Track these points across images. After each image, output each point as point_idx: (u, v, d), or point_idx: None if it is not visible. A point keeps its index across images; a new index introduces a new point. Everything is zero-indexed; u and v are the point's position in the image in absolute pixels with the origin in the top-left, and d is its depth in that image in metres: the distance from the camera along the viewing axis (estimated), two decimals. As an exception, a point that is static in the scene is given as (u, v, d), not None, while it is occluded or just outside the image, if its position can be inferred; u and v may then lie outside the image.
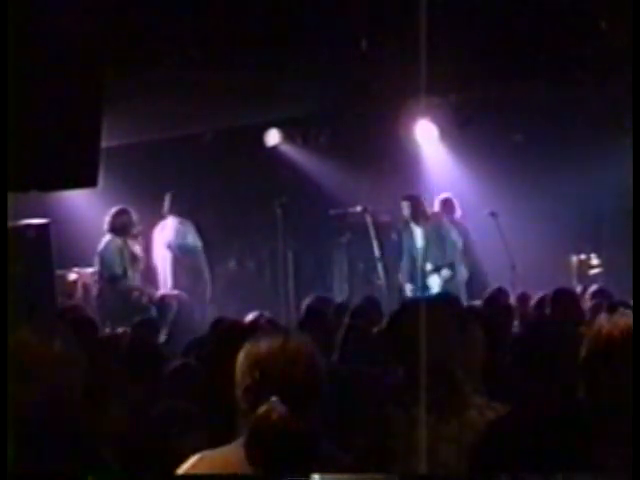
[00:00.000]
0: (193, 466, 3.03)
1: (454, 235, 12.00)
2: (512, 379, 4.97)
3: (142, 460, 4.18)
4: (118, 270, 10.93)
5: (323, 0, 8.98)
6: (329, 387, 3.11)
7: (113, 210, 11.15)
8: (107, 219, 11.08)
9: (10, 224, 8.06)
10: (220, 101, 10.75)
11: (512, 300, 8.94)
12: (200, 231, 12.16)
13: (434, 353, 3.72)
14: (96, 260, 11.15)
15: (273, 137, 13.44)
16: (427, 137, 13.22)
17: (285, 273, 12.72)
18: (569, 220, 12.56)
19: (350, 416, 4.34)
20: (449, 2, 8.57)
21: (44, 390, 2.39)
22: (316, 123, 13.44)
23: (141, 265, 11.31)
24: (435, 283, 11.83)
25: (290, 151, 13.70)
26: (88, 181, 8.36)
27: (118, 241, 11.02)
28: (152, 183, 12.57)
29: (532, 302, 8.54)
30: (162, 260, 11.95)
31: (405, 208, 12.02)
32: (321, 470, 2.87)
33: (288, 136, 13.52)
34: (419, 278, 11.92)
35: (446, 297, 7.69)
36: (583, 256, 12.79)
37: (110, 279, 10.97)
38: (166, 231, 12.02)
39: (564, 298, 7.63)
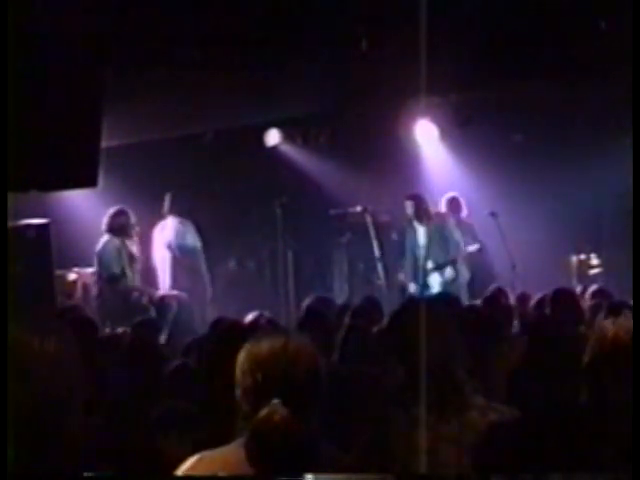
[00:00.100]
0: (192, 466, 3.02)
1: (457, 235, 11.98)
2: (512, 379, 4.97)
3: (142, 460, 4.18)
4: (116, 270, 10.94)
5: (323, 0, 8.98)
6: (329, 387, 3.11)
7: (111, 211, 11.15)
8: (105, 219, 11.09)
9: (10, 224, 8.07)
10: (220, 101, 10.75)
11: (512, 300, 8.93)
12: (200, 231, 12.16)
13: (434, 353, 3.72)
14: (95, 260, 11.16)
15: (273, 137, 13.44)
16: (427, 137, 13.22)
17: (285, 273, 12.73)
18: (569, 220, 12.56)
19: (350, 416, 4.34)
20: (449, 2, 8.56)
21: (38, 389, 2.38)
22: (316, 123, 13.44)
23: (139, 265, 11.32)
24: (436, 282, 11.82)
25: (290, 151, 13.70)
26: (88, 181, 8.37)
27: (116, 241, 11.02)
28: (152, 183, 12.56)
29: (532, 302, 8.53)
30: (162, 260, 11.95)
31: (408, 207, 12.00)
32: (321, 470, 2.87)
33: (288, 136, 13.52)
34: (421, 277, 11.91)
35: (446, 297, 7.71)
36: (583, 256, 12.79)
37: (108, 279, 10.97)
38: (166, 231, 12.02)
39: (564, 298, 7.63)
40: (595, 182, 12.35)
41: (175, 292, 11.46)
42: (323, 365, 3.08)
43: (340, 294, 13.20)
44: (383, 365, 5.04)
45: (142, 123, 11.28)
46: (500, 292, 8.93)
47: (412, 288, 12.00)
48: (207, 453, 3.06)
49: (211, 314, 10.37)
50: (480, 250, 12.27)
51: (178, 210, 12.01)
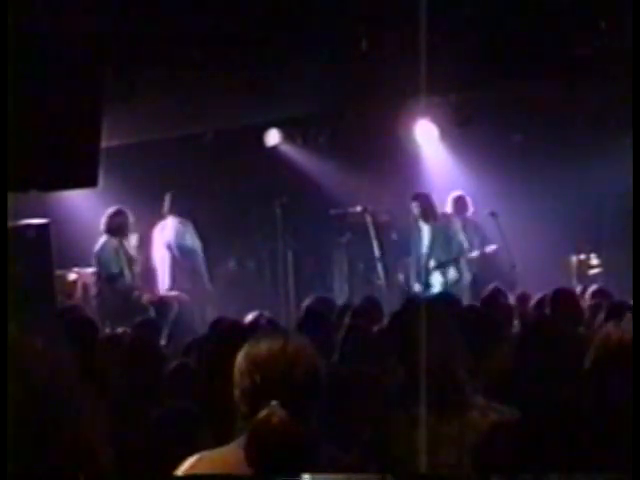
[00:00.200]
0: (192, 466, 3.02)
1: (462, 236, 11.95)
2: (512, 379, 4.96)
3: (141, 460, 4.18)
4: (114, 270, 10.95)
5: (323, 0, 8.98)
6: (329, 388, 3.11)
7: (109, 211, 11.17)
8: (103, 220, 11.11)
9: (10, 224, 8.06)
10: (220, 101, 10.75)
11: (512, 300, 8.93)
12: (200, 231, 12.16)
13: (435, 353, 3.72)
14: (94, 261, 11.18)
15: (273, 137, 13.44)
16: (427, 137, 13.22)
17: (285, 273, 12.73)
18: (569, 220, 12.55)
19: (350, 416, 4.34)
20: (449, 2, 8.56)
21: (26, 387, 2.38)
22: (316, 123, 13.44)
23: (138, 265, 11.32)
24: (439, 283, 11.79)
25: (290, 151, 13.70)
26: (88, 181, 8.37)
27: (114, 241, 11.04)
28: (152, 183, 12.56)
29: (532, 302, 8.53)
30: (162, 260, 11.95)
31: (414, 207, 11.98)
32: (321, 470, 2.87)
33: (288, 136, 13.52)
34: (423, 277, 11.90)
35: (446, 297, 7.71)
36: (583, 256, 12.79)
37: (107, 279, 10.99)
38: (166, 231, 12.03)
39: (564, 298, 7.62)
40: (595, 182, 12.35)
41: (175, 292, 11.47)
42: (322, 366, 3.08)
43: (340, 294, 13.20)
44: (383, 365, 5.04)
45: (142, 123, 11.28)
46: (499, 292, 8.93)
47: (416, 288, 11.99)
48: (207, 453, 3.06)
49: (211, 314, 10.37)
50: (496, 251, 12.19)
51: (178, 210, 12.01)
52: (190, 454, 3.07)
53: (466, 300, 10.22)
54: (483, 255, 12.15)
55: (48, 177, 7.98)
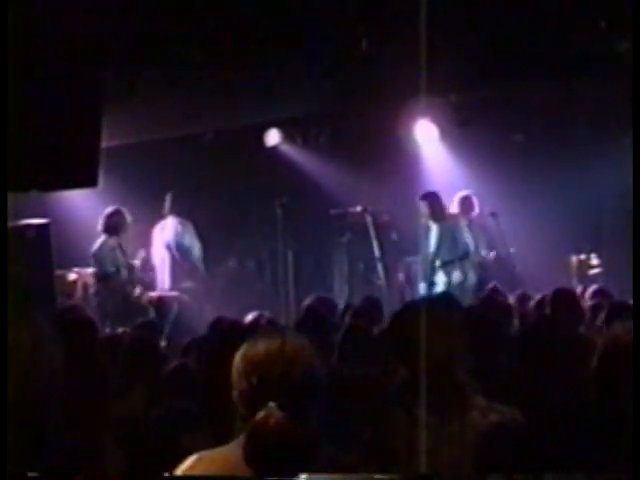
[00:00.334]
0: (192, 466, 3.02)
1: (468, 238, 11.91)
2: (512, 379, 4.97)
3: (141, 460, 4.18)
4: (110, 269, 10.97)
5: (323, 0, 8.97)
6: (330, 388, 3.11)
7: (107, 211, 11.18)
8: (101, 220, 11.13)
9: (10, 224, 8.06)
10: (220, 101, 10.75)
11: (512, 300, 8.93)
12: (200, 231, 12.17)
13: (436, 354, 3.71)
14: (91, 260, 11.20)
15: (273, 137, 13.44)
16: (427, 137, 13.22)
17: (285, 273, 12.73)
18: (569, 220, 12.56)
19: (350, 417, 4.34)
20: (449, 2, 8.56)
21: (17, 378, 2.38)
22: (316, 123, 13.44)
23: (139, 265, 11.33)
24: (442, 281, 11.76)
25: (290, 151, 13.70)
26: (88, 181, 8.37)
27: (111, 241, 11.06)
28: (152, 183, 12.57)
29: (532, 302, 8.53)
30: (161, 260, 11.96)
31: (423, 206, 11.94)
32: (321, 470, 2.86)
33: (288, 136, 13.52)
34: (428, 277, 11.88)
35: (447, 298, 7.70)
36: (583, 256, 12.79)
37: (102, 278, 11.00)
38: (166, 231, 12.04)
39: (564, 298, 7.62)
40: (595, 182, 12.36)
41: (175, 293, 11.48)
42: (321, 366, 3.08)
43: (340, 294, 13.20)
44: (383, 365, 5.04)
45: (142, 123, 11.28)
46: (497, 292, 8.92)
47: (421, 287, 11.97)
48: (206, 453, 3.05)
49: (211, 314, 10.37)
50: (508, 253, 12.14)
51: (178, 210, 12.02)
52: (190, 454, 3.07)
53: (470, 302, 10.19)
54: (488, 258, 12.12)
55: (48, 177, 7.97)
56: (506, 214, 11.99)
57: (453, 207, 12.33)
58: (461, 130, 12.71)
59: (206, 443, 3.33)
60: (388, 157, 13.06)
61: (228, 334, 5.17)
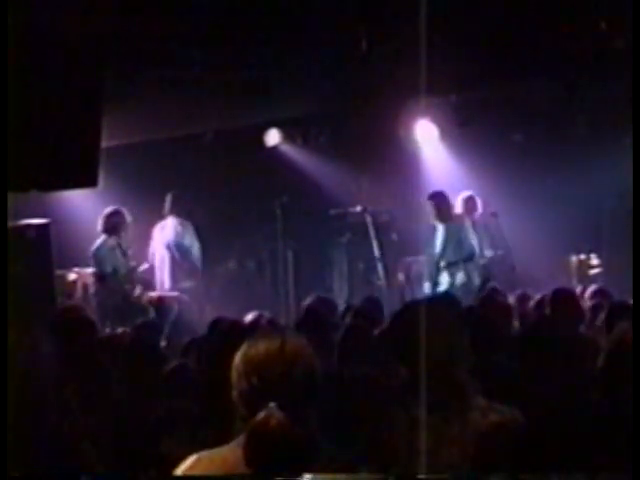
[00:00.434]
0: (191, 466, 3.02)
1: (473, 239, 11.88)
2: (512, 380, 4.97)
3: (141, 460, 4.18)
4: (107, 269, 10.97)
5: (323, 0, 8.98)
6: (330, 388, 3.11)
7: (106, 211, 11.19)
8: (100, 220, 11.14)
9: (10, 224, 8.06)
10: (220, 101, 10.76)
11: (512, 300, 8.92)
12: (200, 231, 12.16)
13: (436, 354, 3.71)
14: (91, 260, 11.21)
15: (273, 137, 13.44)
16: (427, 137, 13.21)
17: (285, 273, 12.74)
18: (569, 220, 12.55)
19: (350, 417, 4.34)
20: (449, 2, 8.56)
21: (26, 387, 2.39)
22: (316, 123, 13.44)
23: (135, 264, 11.33)
24: (445, 283, 11.74)
25: (290, 151, 13.69)
26: (88, 181, 8.36)
27: (111, 241, 11.06)
28: (152, 183, 12.57)
29: (532, 302, 8.53)
30: (161, 260, 11.96)
31: (429, 206, 11.91)
32: (321, 470, 2.87)
33: (288, 136, 13.52)
34: (432, 277, 11.86)
35: (447, 298, 7.70)
36: (583, 256, 12.78)
37: (102, 278, 11.01)
38: (165, 231, 12.04)
39: (564, 298, 7.61)
40: (595, 182, 12.35)
41: (175, 293, 11.48)
42: (320, 366, 3.07)
43: (340, 294, 13.20)
44: (382, 365, 5.04)
45: (142, 123, 11.28)
46: (497, 292, 8.91)
47: (426, 287, 11.96)
48: (206, 453, 3.05)
49: (211, 314, 10.37)
50: (509, 254, 12.11)
51: (178, 211, 12.02)
52: (190, 454, 3.07)
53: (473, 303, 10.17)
54: (491, 259, 12.09)
55: (48, 177, 7.97)
56: (506, 214, 11.98)
57: (457, 207, 12.32)
58: (461, 130, 12.71)
59: (206, 443, 3.33)
60: (388, 157, 13.05)
61: (228, 334, 5.16)
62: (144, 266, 11.58)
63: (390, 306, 8.91)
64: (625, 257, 10.60)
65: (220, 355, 3.70)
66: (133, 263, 11.32)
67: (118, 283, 10.98)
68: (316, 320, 6.83)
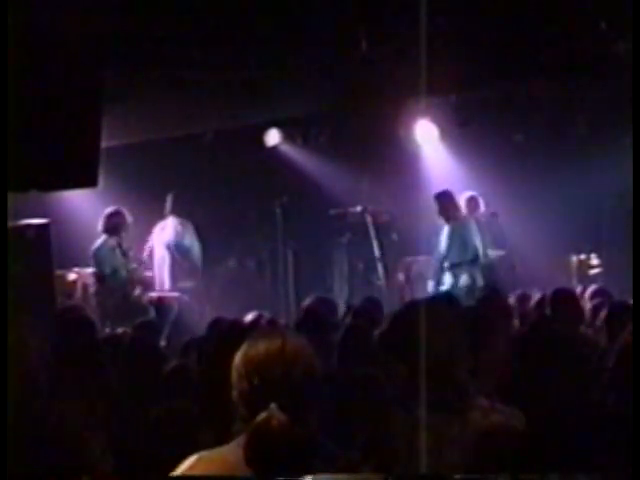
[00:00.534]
0: (191, 466, 3.02)
1: (477, 240, 11.87)
2: (512, 380, 4.96)
3: (141, 460, 4.18)
4: (107, 269, 10.97)
5: (323, 1, 8.98)
6: (330, 388, 3.11)
7: (106, 211, 11.19)
8: (101, 220, 11.14)
9: (10, 224, 8.06)
10: (220, 101, 10.76)
11: (512, 300, 8.92)
12: (200, 231, 12.17)
13: (437, 354, 3.71)
14: (91, 260, 11.22)
15: (273, 137, 13.44)
16: (427, 137, 13.21)
17: (285, 273, 12.74)
18: (569, 220, 12.55)
19: (351, 417, 4.34)
20: (449, 2, 8.56)
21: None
22: (316, 123, 13.44)
23: (134, 265, 11.33)
24: (449, 284, 11.72)
25: (290, 151, 13.69)
26: (88, 181, 8.36)
27: (111, 241, 11.06)
28: (152, 183, 12.57)
29: (532, 302, 8.53)
30: (161, 260, 11.96)
31: (434, 206, 11.90)
32: (321, 470, 2.86)
33: (288, 136, 13.52)
34: (437, 276, 11.85)
35: (447, 298, 7.70)
36: (583, 256, 12.78)
37: (102, 278, 11.01)
38: (166, 231, 12.04)
39: (564, 298, 7.62)
40: (595, 182, 12.35)
41: (175, 293, 11.48)
42: (320, 366, 3.07)
43: (340, 294, 13.20)
44: (382, 365, 5.04)
45: (142, 123, 11.28)
46: (497, 292, 8.91)
47: (430, 286, 11.95)
48: (206, 453, 3.05)
49: (211, 314, 10.37)
50: (509, 254, 12.10)
51: (179, 211, 12.02)
52: (190, 454, 3.06)
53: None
54: (493, 259, 12.08)
55: (48, 177, 7.97)
56: (506, 214, 11.98)
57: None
58: (461, 130, 12.71)
59: (206, 443, 3.33)
60: (388, 157, 13.06)
61: (228, 334, 5.16)
62: (144, 266, 11.58)
63: (390, 306, 8.91)
64: (625, 257, 10.59)
65: (220, 355, 3.70)
66: (134, 264, 11.32)
67: (118, 283, 10.98)
68: (315, 320, 6.84)
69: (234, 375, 3.02)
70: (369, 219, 12.64)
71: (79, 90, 7.79)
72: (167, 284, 11.81)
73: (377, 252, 12.58)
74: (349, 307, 8.77)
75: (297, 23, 9.00)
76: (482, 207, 12.39)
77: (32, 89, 7.25)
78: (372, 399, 4.38)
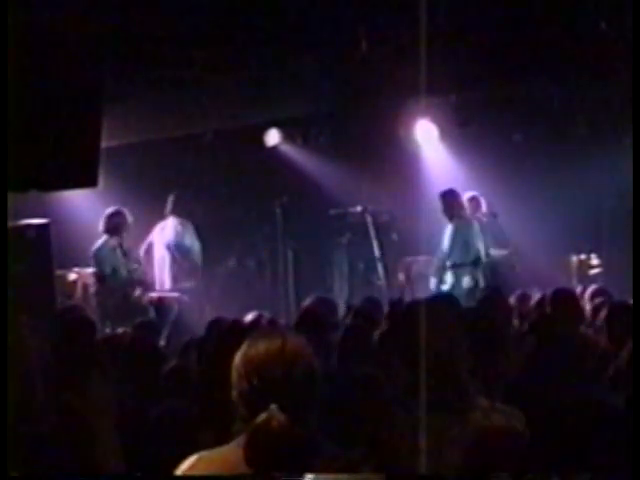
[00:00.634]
0: (191, 466, 3.02)
1: (480, 242, 11.85)
2: (513, 380, 4.97)
3: (141, 460, 4.18)
4: (107, 269, 10.97)
5: (323, 1, 8.98)
6: (330, 388, 3.11)
7: (107, 211, 11.19)
8: (102, 220, 11.14)
9: (10, 224, 8.05)
10: (220, 101, 10.76)
11: (512, 300, 8.93)
12: (200, 231, 12.17)
13: (438, 354, 3.71)
14: (91, 260, 11.22)
15: (273, 137, 13.44)
16: (427, 137, 13.21)
17: (285, 273, 12.74)
18: (569, 220, 12.55)
19: (351, 417, 4.34)
20: (449, 2, 8.57)
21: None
22: (316, 123, 13.44)
23: (135, 265, 11.33)
24: (451, 284, 11.70)
25: (290, 151, 13.69)
26: (88, 181, 8.35)
27: (112, 241, 11.06)
28: (152, 183, 12.57)
29: (532, 302, 8.53)
30: (161, 260, 11.96)
31: (439, 205, 11.89)
32: (321, 470, 2.86)
33: (288, 136, 13.52)
34: (439, 276, 11.84)
35: (447, 298, 7.70)
36: (583, 256, 12.78)
37: (102, 278, 11.01)
38: (166, 231, 12.04)
39: (564, 298, 7.62)
40: (595, 182, 12.35)
41: (176, 294, 11.48)
42: (320, 366, 3.07)
43: (340, 294, 13.20)
44: (383, 365, 5.04)
45: (142, 123, 11.29)
46: (495, 292, 8.92)
47: (433, 283, 11.94)
48: (206, 453, 3.05)
49: (211, 314, 10.37)
50: (509, 253, 12.10)
51: (179, 211, 12.02)
52: (190, 454, 3.06)
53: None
54: (494, 259, 12.07)
55: (48, 177, 7.96)
56: (506, 214, 11.98)
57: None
58: (461, 130, 12.71)
59: (206, 443, 3.33)
60: (388, 157, 13.05)
61: (228, 334, 5.16)
62: (140, 264, 11.57)
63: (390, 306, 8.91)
64: (625, 257, 10.59)
65: (220, 355, 3.70)
66: (135, 265, 11.32)
67: (118, 283, 10.98)
68: (314, 321, 6.83)
69: (234, 375, 3.02)
70: (369, 219, 12.64)
71: (79, 90, 7.78)
72: (167, 284, 11.81)
73: (377, 252, 12.57)
74: (349, 307, 8.77)
75: (297, 23, 9.00)
76: (484, 207, 12.39)
77: (32, 89, 7.24)
78: (372, 399, 4.38)
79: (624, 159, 10.01)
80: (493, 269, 11.92)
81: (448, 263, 11.76)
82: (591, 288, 9.24)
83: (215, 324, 6.86)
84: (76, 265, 11.65)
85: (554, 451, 3.36)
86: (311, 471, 2.81)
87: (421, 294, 11.63)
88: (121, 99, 9.25)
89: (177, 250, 11.94)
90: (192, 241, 12.05)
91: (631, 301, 7.52)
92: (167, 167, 12.96)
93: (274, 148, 13.53)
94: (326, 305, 8.30)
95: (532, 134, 12.88)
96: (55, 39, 7.50)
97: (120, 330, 8.90)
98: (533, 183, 12.78)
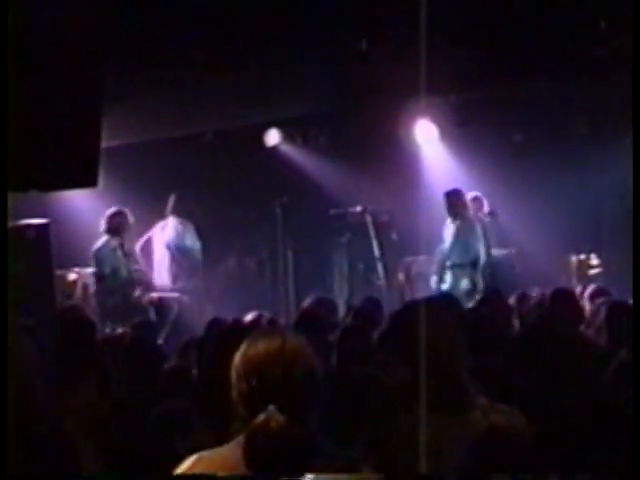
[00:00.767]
0: (191, 466, 3.02)
1: (480, 242, 11.83)
2: (512, 380, 4.96)
3: (141, 460, 4.18)
4: (106, 269, 10.98)
5: (323, 1, 8.98)
6: (330, 388, 3.11)
7: (109, 211, 11.19)
8: (103, 220, 11.14)
9: (10, 224, 8.06)
10: (220, 101, 10.76)
11: (512, 300, 8.92)
12: (200, 231, 12.17)
13: (438, 354, 3.71)
14: (92, 260, 11.22)
15: (273, 137, 13.44)
16: (427, 137, 13.21)
17: (285, 273, 12.73)
18: (569, 220, 12.55)
19: (352, 417, 4.34)
20: (449, 2, 8.56)
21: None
22: (316, 123, 13.44)
23: (135, 265, 11.33)
24: (450, 284, 11.69)
25: (290, 151, 13.70)
26: (88, 181, 8.35)
27: (113, 242, 11.06)
28: (152, 183, 12.58)
29: (532, 302, 8.53)
30: (161, 260, 11.96)
31: (444, 203, 11.89)
32: (321, 470, 2.86)
33: (288, 136, 13.52)
34: (439, 275, 11.84)
35: (447, 298, 7.70)
36: (583, 256, 12.78)
37: (102, 278, 11.02)
38: (166, 231, 12.05)
39: (563, 298, 7.62)
40: (595, 182, 12.35)
41: (176, 294, 11.48)
42: (320, 366, 3.07)
43: (340, 294, 13.20)
44: (383, 365, 5.04)
45: (142, 123, 11.29)
46: (495, 292, 8.91)
47: (433, 282, 11.93)
48: (206, 453, 3.05)
49: (211, 314, 10.37)
50: (509, 253, 12.11)
51: (179, 211, 12.03)
52: (190, 454, 3.07)
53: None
54: (494, 259, 12.06)
55: (48, 177, 7.96)
56: (506, 214, 11.97)
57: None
58: (461, 130, 12.71)
59: (206, 443, 3.33)
60: (388, 157, 13.06)
61: (228, 334, 5.16)
62: (137, 261, 11.57)
63: (390, 306, 8.91)
64: (625, 257, 10.59)
65: (220, 355, 3.70)
66: (136, 266, 11.32)
67: (118, 283, 10.98)
68: (314, 321, 6.83)
69: (234, 375, 3.02)
70: (369, 219, 12.64)
71: (79, 90, 7.78)
72: (167, 284, 11.80)
73: (377, 252, 12.57)
74: (349, 307, 8.77)
75: (297, 23, 9.00)
76: (485, 207, 12.40)
77: (32, 89, 7.24)
78: (372, 399, 4.38)
79: (624, 159, 10.00)
80: (493, 269, 11.91)
81: (448, 263, 11.76)
82: (591, 288, 9.24)
83: (215, 324, 6.86)
84: (76, 265, 11.66)
85: (554, 451, 3.36)
86: (311, 471, 2.81)
87: (421, 294, 11.63)
88: (121, 99, 9.24)
89: (177, 250, 11.94)
90: (192, 241, 12.05)
91: (631, 301, 7.53)
92: (167, 167, 12.97)
93: (274, 148, 13.53)
94: (326, 305, 8.30)
95: (532, 134, 12.88)
96: (55, 39, 7.50)
97: (120, 330, 8.91)
98: (533, 183, 12.78)
